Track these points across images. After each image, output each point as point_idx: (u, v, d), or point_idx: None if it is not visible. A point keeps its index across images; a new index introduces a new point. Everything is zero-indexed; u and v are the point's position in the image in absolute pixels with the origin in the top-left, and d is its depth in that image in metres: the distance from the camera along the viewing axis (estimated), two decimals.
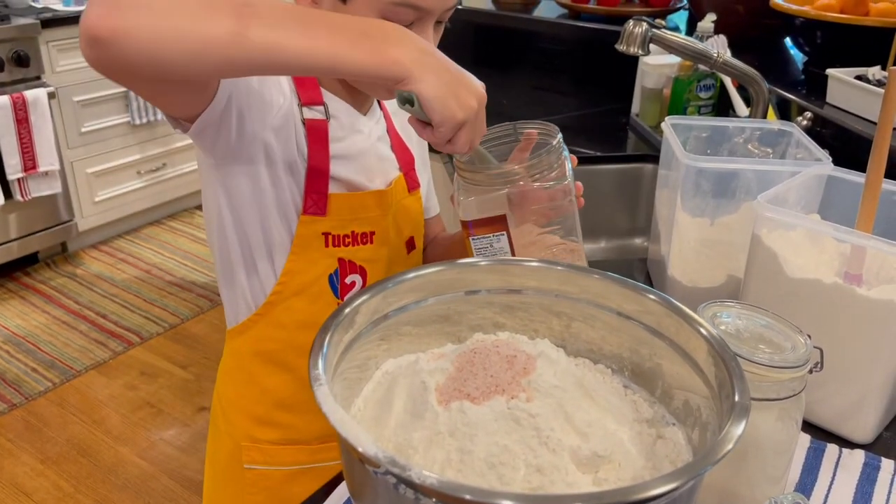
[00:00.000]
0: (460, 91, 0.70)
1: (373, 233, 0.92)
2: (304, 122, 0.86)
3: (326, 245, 0.90)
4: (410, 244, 1.00)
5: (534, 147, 0.88)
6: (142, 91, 0.71)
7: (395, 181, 0.96)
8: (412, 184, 1.00)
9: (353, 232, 0.91)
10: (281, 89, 0.85)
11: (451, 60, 0.72)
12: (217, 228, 0.90)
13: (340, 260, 0.91)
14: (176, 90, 0.73)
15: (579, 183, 0.87)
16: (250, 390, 0.97)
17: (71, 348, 2.72)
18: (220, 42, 0.62)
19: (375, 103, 0.97)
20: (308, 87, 0.88)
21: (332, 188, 0.89)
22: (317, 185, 0.87)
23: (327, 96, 0.89)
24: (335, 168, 0.88)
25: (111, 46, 0.60)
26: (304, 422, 0.96)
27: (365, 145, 0.92)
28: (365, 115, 0.94)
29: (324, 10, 0.80)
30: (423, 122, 0.72)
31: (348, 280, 0.92)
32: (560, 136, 0.83)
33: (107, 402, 2.48)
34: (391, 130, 0.99)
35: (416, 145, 1.04)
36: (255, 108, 0.81)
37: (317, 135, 0.87)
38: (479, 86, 0.73)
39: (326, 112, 0.88)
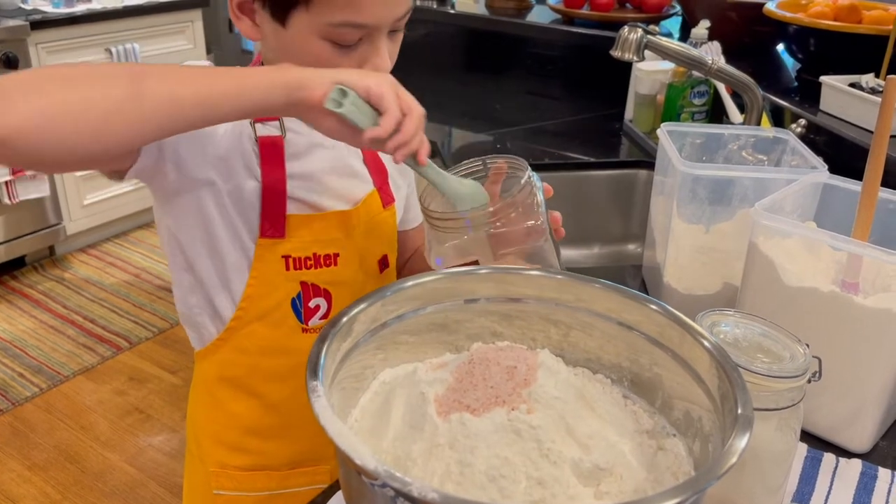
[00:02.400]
0: (373, 75, 0.69)
1: (336, 254, 0.88)
2: (257, 139, 0.82)
3: (287, 268, 0.86)
4: (384, 262, 0.96)
5: (505, 179, 0.84)
6: (69, 170, 0.70)
7: (367, 197, 0.92)
8: (386, 199, 0.95)
9: (314, 254, 0.87)
10: None
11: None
12: (169, 252, 0.87)
13: (303, 283, 0.87)
14: (100, 163, 0.71)
15: (557, 214, 0.84)
16: (218, 415, 0.94)
17: (58, 353, 2.69)
18: (118, 108, 0.61)
19: None
20: None
21: (292, 209, 0.84)
22: (273, 207, 0.83)
23: None
24: (293, 188, 0.84)
25: (13, 146, 0.59)
26: (274, 448, 0.94)
27: (327, 162, 0.88)
28: None
29: (264, 34, 0.80)
30: (353, 128, 0.68)
31: (312, 304, 0.88)
32: (529, 170, 0.80)
33: (95, 408, 2.45)
34: None
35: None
36: (191, 147, 0.78)
37: (270, 152, 0.83)
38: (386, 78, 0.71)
39: (282, 126, 0.84)
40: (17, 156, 0.60)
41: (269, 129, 0.84)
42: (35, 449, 2.27)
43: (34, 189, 2.91)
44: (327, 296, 0.89)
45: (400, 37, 0.82)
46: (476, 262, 0.78)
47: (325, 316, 0.89)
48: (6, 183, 2.81)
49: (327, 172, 0.87)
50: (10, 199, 2.85)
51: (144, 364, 2.65)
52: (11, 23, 2.81)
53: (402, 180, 1.01)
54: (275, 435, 0.93)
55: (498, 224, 0.77)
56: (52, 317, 2.90)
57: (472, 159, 0.85)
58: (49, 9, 3.05)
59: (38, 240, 3.09)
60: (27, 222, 3.01)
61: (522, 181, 0.78)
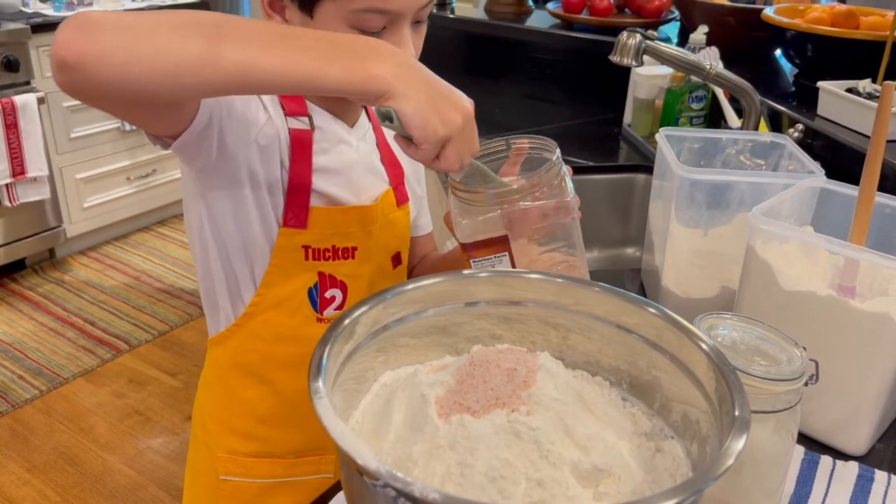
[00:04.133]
0: (442, 106, 0.67)
1: (355, 248, 0.90)
2: (290, 131, 0.85)
3: (306, 258, 0.88)
4: (397, 259, 0.99)
5: (526, 160, 0.87)
6: (118, 113, 0.70)
7: (383, 195, 0.94)
8: (401, 198, 0.98)
9: (333, 246, 0.89)
10: (263, 105, 0.84)
11: (435, 75, 0.69)
12: (198, 237, 0.89)
13: (321, 274, 0.89)
14: (153, 112, 0.72)
15: (577, 197, 0.86)
16: (228, 402, 0.96)
17: (58, 355, 2.70)
18: (193, 63, 0.61)
19: (364, 115, 0.96)
20: (292, 97, 0.87)
21: (315, 201, 0.87)
22: (298, 198, 0.86)
23: (312, 108, 0.88)
24: (318, 181, 0.87)
25: (81, 72, 0.60)
26: (281, 435, 0.96)
27: (352, 157, 0.91)
28: (352, 126, 0.92)
29: (293, 24, 0.80)
30: (406, 139, 0.69)
31: (328, 294, 0.91)
32: (559, 151, 0.82)
33: (94, 410, 2.46)
34: (381, 143, 0.97)
35: (409, 159, 1.03)
36: (237, 128, 0.80)
37: (300, 146, 0.86)
38: (464, 101, 0.70)
39: (311, 123, 0.87)
40: (81, 82, 0.61)
41: (299, 124, 0.86)
42: (34, 451, 2.27)
43: (34, 192, 2.92)
44: (343, 287, 0.91)
45: (423, 29, 0.84)
46: (501, 239, 0.80)
47: (340, 307, 0.91)
48: (6, 185, 2.82)
49: (351, 168, 0.90)
50: (10, 201, 2.86)
51: (144, 367, 2.66)
52: (12, 26, 2.82)
53: (416, 183, 1.04)
54: (283, 423, 0.95)
55: (529, 197, 0.78)
56: (52, 319, 2.90)
57: (496, 138, 0.87)
58: (50, 12, 3.06)
59: (39, 242, 3.09)
60: (27, 225, 3.02)
61: (554, 158, 0.80)
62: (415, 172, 1.03)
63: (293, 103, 0.86)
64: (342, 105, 0.89)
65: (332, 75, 0.63)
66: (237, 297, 0.90)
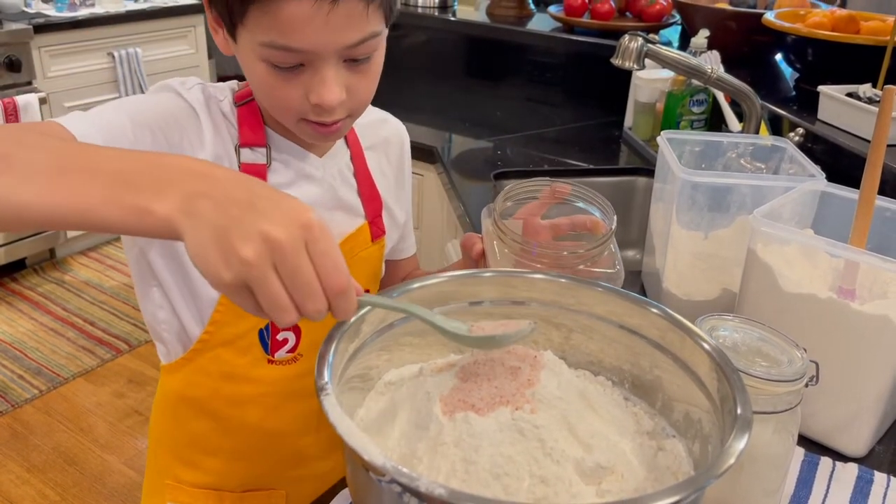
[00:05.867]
0: (234, 242, 0.49)
1: None
2: (241, 165, 0.80)
3: None
4: None
5: (562, 203, 0.83)
6: None
7: (355, 232, 0.89)
8: (377, 232, 0.93)
9: None
10: (200, 137, 0.78)
11: (256, 188, 0.52)
12: (137, 268, 0.84)
13: None
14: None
15: (593, 217, 0.84)
16: (176, 431, 0.93)
17: (58, 355, 2.70)
18: None
19: (341, 142, 0.89)
20: (252, 125, 0.82)
21: None
22: None
23: (273, 136, 0.83)
24: None
25: None
26: (229, 469, 0.93)
27: (314, 195, 0.85)
28: (321, 156, 0.87)
29: (223, 47, 0.76)
30: None
31: (280, 337, 0.86)
32: (615, 220, 0.78)
33: (94, 410, 2.46)
34: (360, 172, 0.91)
35: (395, 181, 0.97)
36: None
37: None
38: (272, 225, 0.49)
39: (268, 155, 0.82)
40: None
41: (255, 157, 0.81)
42: (34, 451, 2.27)
43: None
44: (296, 330, 0.87)
45: (370, 66, 0.75)
46: None
47: (292, 349, 0.87)
48: None
49: (310, 205, 0.85)
50: None
51: (143, 367, 2.66)
52: (15, 26, 2.82)
53: (399, 210, 0.99)
54: (232, 457, 0.92)
55: (575, 263, 0.77)
56: (52, 319, 2.91)
57: (540, 178, 0.85)
58: (52, 13, 3.07)
59: (39, 242, 3.10)
60: None
61: (611, 228, 0.78)
62: (397, 199, 0.98)
63: (251, 132, 0.81)
64: None
65: (110, 216, 0.52)
66: (182, 332, 0.86)
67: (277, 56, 0.70)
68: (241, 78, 0.83)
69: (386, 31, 0.76)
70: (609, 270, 0.78)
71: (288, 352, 0.87)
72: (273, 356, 0.87)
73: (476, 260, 0.88)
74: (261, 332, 0.85)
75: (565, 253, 0.77)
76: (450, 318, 0.61)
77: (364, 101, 0.78)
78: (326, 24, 0.68)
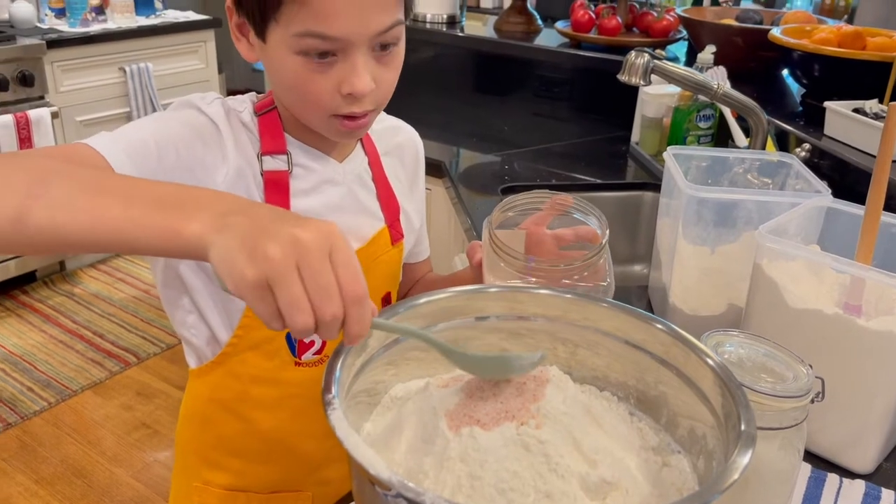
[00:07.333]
0: (260, 242, 0.50)
1: None
2: (263, 173, 0.82)
3: None
4: (387, 300, 0.96)
5: (563, 214, 0.85)
6: None
7: (376, 235, 0.91)
8: (396, 236, 0.95)
9: None
10: (223, 150, 0.80)
11: (284, 211, 0.56)
12: (163, 276, 0.86)
13: None
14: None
15: (589, 228, 0.85)
16: (205, 434, 0.95)
17: (67, 368, 2.71)
18: (3, 228, 0.57)
19: (358, 147, 0.92)
20: (272, 133, 0.83)
21: None
22: None
23: (294, 143, 0.85)
24: None
25: None
26: (257, 471, 0.94)
27: (335, 198, 0.87)
28: (341, 161, 0.89)
29: (257, 54, 0.77)
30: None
31: (307, 339, 0.87)
32: (608, 234, 0.79)
33: (102, 423, 2.47)
34: (378, 178, 0.93)
35: (410, 187, 0.99)
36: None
37: (276, 189, 0.82)
38: (298, 231, 0.51)
39: (289, 162, 0.83)
40: None
41: (277, 164, 0.83)
42: (43, 463, 2.28)
43: None
44: None
45: (394, 57, 0.78)
46: None
47: (318, 351, 0.89)
48: None
49: (334, 209, 0.87)
50: None
51: (152, 379, 2.67)
52: (28, 41, 2.86)
53: (416, 215, 1.01)
54: (259, 459, 0.94)
55: (569, 275, 0.78)
56: (62, 331, 2.92)
57: (541, 190, 0.86)
58: (65, 28, 3.11)
59: (49, 255, 3.12)
60: None
61: (602, 242, 0.79)
62: (414, 205, 1.00)
63: (272, 140, 0.83)
64: (326, 139, 0.85)
65: (143, 238, 0.56)
66: (211, 337, 0.88)
67: (314, 46, 0.73)
68: (250, 91, 0.84)
69: (405, 23, 0.79)
70: (601, 283, 0.79)
71: (314, 353, 0.89)
72: (300, 358, 0.89)
73: (477, 268, 0.90)
74: (288, 335, 0.87)
75: (562, 266, 0.78)
76: (467, 350, 0.64)
77: (388, 92, 0.81)
78: (361, 10, 0.72)
